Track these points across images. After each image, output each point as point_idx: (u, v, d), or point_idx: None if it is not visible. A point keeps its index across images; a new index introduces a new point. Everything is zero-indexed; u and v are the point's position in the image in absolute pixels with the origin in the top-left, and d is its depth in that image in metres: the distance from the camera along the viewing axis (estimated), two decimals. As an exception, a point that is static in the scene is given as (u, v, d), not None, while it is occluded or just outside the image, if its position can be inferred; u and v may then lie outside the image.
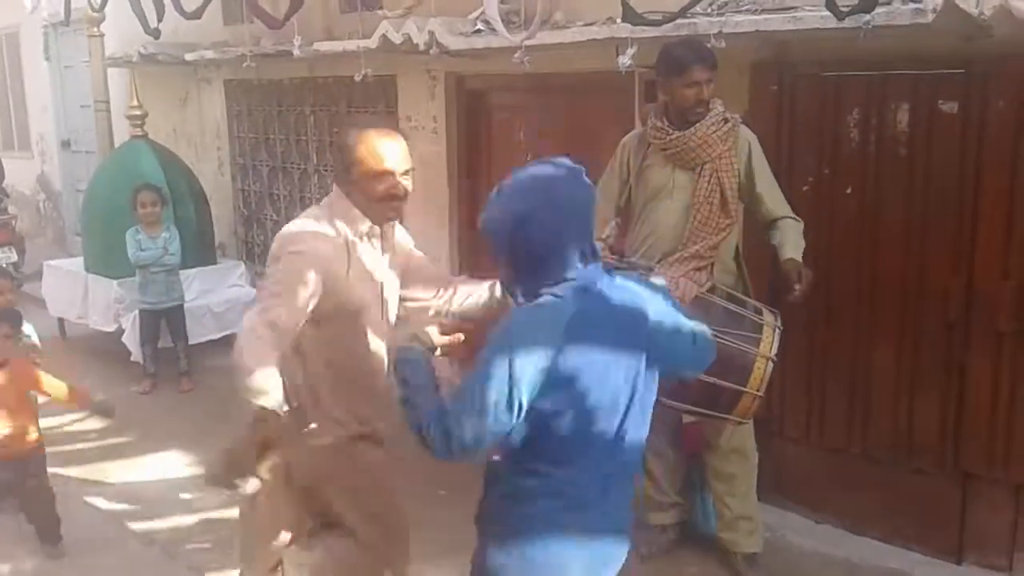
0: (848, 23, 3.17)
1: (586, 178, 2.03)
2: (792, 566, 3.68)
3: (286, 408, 2.30)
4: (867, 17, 3.16)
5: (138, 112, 6.75)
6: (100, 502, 4.46)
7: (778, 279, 3.38)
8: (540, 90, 5.02)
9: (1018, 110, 3.29)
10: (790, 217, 3.45)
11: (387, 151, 2.47)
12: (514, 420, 1.90)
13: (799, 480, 3.98)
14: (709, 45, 3.46)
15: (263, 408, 2.14)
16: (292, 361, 2.54)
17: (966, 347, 3.52)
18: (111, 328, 6.34)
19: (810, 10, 3.45)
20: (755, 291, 3.51)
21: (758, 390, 3.19)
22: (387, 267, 2.66)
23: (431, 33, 4.76)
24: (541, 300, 1.96)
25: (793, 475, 3.96)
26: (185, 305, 6.20)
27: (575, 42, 4.15)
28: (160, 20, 6.42)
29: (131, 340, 6.13)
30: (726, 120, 3.40)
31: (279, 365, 2.27)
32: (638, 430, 2.07)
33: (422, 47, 4.85)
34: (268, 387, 2.18)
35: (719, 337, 3.09)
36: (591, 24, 4.21)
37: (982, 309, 3.45)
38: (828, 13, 3.07)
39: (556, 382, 1.91)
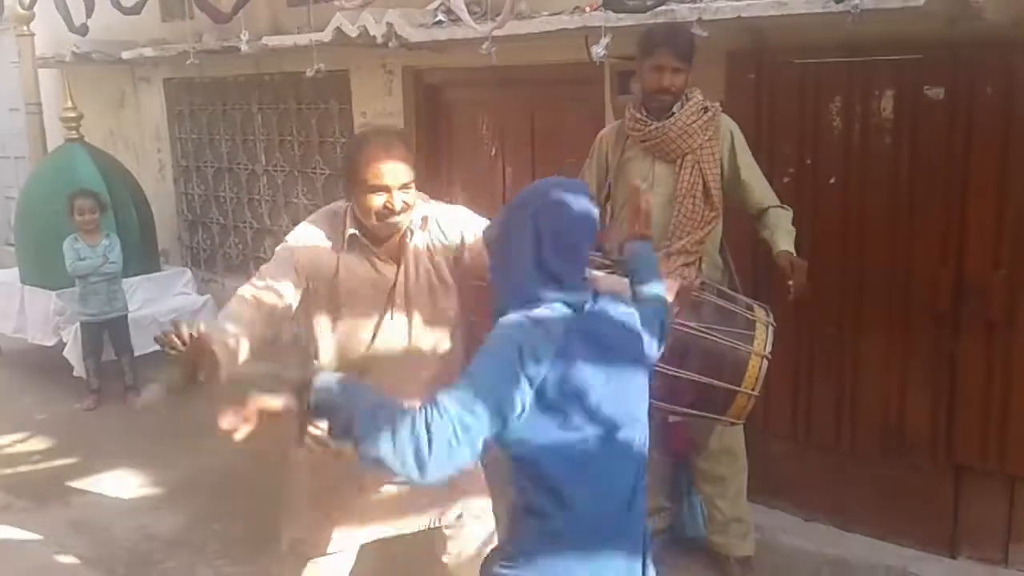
0: (837, 8, 3.07)
1: (591, 202, 1.92)
2: (786, 567, 3.58)
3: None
4: (856, 0, 3.06)
5: (72, 114, 6.40)
6: (48, 531, 4.15)
7: (771, 273, 3.28)
8: (504, 83, 4.85)
9: (1006, 95, 3.22)
10: (778, 206, 3.35)
11: (382, 165, 2.40)
12: (518, 411, 1.72)
13: (787, 478, 3.88)
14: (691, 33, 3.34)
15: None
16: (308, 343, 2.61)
17: (956, 338, 3.44)
18: (51, 342, 6.02)
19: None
20: (741, 285, 3.40)
21: (753, 389, 3.10)
22: (401, 277, 2.56)
23: (389, 25, 4.57)
24: (534, 312, 1.82)
25: (781, 473, 3.86)
26: (129, 315, 5.90)
27: (545, 32, 3.99)
28: (89, 16, 6.09)
29: (73, 354, 5.81)
30: (706, 109, 3.30)
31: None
32: (643, 441, 1.96)
33: (379, 40, 4.65)
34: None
35: (711, 336, 3.01)
36: (558, 13, 4.06)
37: (973, 299, 3.38)
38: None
39: (555, 396, 1.76)
